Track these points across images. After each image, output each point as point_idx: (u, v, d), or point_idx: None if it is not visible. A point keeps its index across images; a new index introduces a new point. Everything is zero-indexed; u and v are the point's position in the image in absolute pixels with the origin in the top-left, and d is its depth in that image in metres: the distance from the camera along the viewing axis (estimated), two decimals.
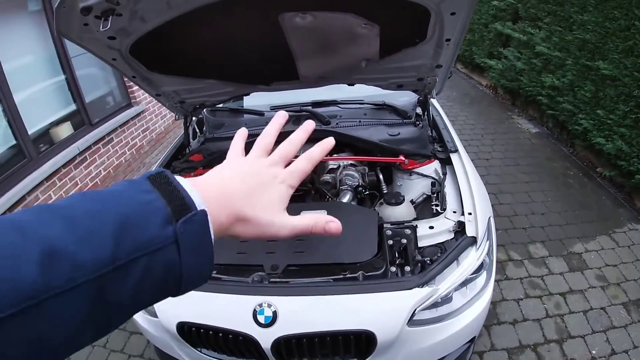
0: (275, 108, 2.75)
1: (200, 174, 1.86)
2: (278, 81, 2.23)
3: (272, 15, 1.66)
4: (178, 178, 0.40)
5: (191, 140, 2.69)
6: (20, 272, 0.29)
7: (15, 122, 3.15)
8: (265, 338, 1.52)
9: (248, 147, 0.57)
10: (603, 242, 3.06)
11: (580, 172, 4.05)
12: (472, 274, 1.63)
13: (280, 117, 0.62)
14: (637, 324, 2.45)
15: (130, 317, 0.37)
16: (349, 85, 2.28)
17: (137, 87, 4.59)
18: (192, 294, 1.39)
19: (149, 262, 0.34)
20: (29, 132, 3.29)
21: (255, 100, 2.76)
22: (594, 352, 2.28)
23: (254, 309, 1.53)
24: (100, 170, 4.02)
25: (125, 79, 4.51)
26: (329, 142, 0.57)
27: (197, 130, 2.86)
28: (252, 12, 1.65)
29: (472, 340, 1.85)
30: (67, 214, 0.33)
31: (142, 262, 0.34)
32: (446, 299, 1.62)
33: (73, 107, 3.88)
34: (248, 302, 1.56)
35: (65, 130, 3.74)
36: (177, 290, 0.39)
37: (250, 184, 0.49)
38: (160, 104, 5.14)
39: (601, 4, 3.67)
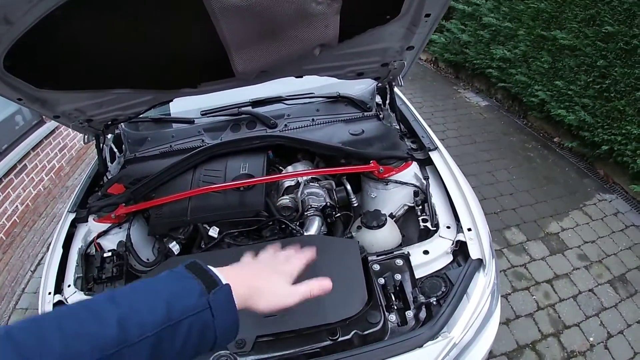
0: (207, 113, 2.27)
1: (124, 214, 1.21)
2: (207, 81, 1.77)
3: None
4: (209, 267, 0.61)
5: (109, 163, 2.18)
6: (105, 330, 0.48)
7: None
8: None
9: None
10: (577, 218, 2.98)
11: (538, 144, 3.97)
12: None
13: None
14: (625, 301, 2.39)
15: None
16: (296, 77, 1.87)
17: None
18: None
19: (192, 322, 0.53)
20: None
21: (182, 105, 2.26)
22: (591, 339, 2.20)
23: None
24: (17, 206, 3.44)
25: None
26: (314, 256, 0.84)
27: (115, 150, 2.31)
28: None
29: None
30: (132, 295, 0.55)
31: (187, 322, 0.52)
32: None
33: None
34: None
35: None
36: (214, 342, 0.56)
37: (265, 270, 0.71)
38: None
39: None
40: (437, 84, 5.75)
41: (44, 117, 4.02)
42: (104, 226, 1.83)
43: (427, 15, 1.42)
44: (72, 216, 1.87)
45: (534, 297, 2.42)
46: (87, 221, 1.85)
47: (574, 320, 2.29)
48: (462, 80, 5.61)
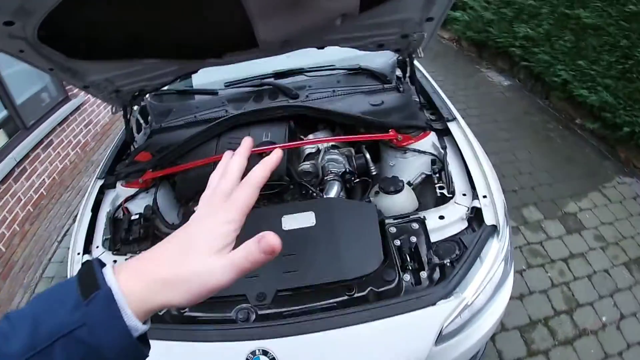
0: (231, 84, 2.34)
1: (151, 179, 1.27)
2: (232, 51, 1.79)
3: None
4: (107, 266, 0.42)
5: (135, 134, 2.29)
6: None
7: None
8: None
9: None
10: (595, 199, 2.94)
11: (559, 124, 3.90)
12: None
13: (245, 148, 0.55)
14: None
15: None
16: (318, 48, 1.88)
17: None
18: (169, 346, 1.02)
19: (66, 345, 0.37)
20: None
21: (205, 77, 2.32)
22: (604, 318, 2.19)
23: (247, 359, 1.20)
24: (44, 179, 3.56)
25: None
26: (274, 158, 0.52)
27: (142, 121, 2.44)
28: None
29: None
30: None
31: (60, 346, 0.37)
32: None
33: (4, 112, 3.36)
34: (238, 351, 1.22)
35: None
36: None
37: (172, 240, 0.45)
38: None
39: None
40: (459, 62, 5.68)
41: (69, 94, 4.14)
42: (131, 191, 1.93)
43: None
44: (100, 182, 1.98)
45: (549, 274, 2.42)
46: (115, 187, 1.96)
47: (588, 299, 2.28)
48: (485, 59, 5.51)
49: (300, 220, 1.48)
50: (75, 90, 4.16)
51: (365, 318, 1.21)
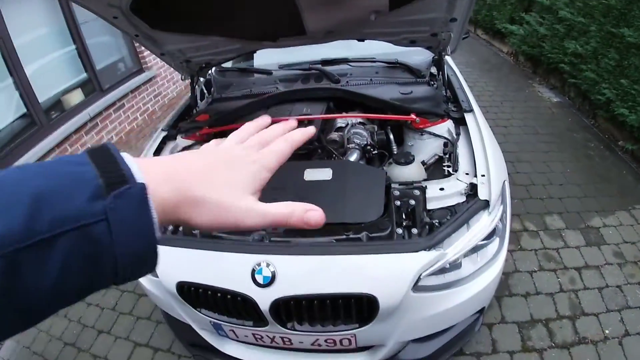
0: (284, 67, 2.68)
1: (206, 134, 1.72)
2: (285, 37, 2.10)
3: None
4: (123, 154, 0.35)
5: (199, 101, 2.67)
6: None
7: (26, 92, 3.16)
8: (264, 299, 1.48)
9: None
10: (622, 218, 2.95)
11: (601, 144, 3.89)
12: (483, 240, 1.56)
13: (263, 120, 0.56)
14: None
15: (57, 306, 0.32)
16: (358, 40, 2.14)
17: (148, 52, 4.55)
18: (191, 253, 1.42)
19: (75, 240, 0.30)
20: (40, 101, 3.31)
21: (264, 59, 2.71)
22: (607, 331, 2.20)
23: (253, 269, 1.49)
24: (112, 136, 4.01)
25: (136, 45, 4.43)
26: (311, 130, 0.55)
27: (205, 92, 2.82)
28: None
29: (481, 311, 1.81)
30: None
31: (66, 240, 0.29)
32: (455, 265, 1.55)
33: (84, 75, 3.86)
34: (247, 261, 1.52)
35: (76, 97, 3.72)
36: (114, 276, 0.33)
37: (209, 160, 0.43)
38: (172, 70, 5.06)
39: None
40: (513, 76, 5.71)
41: (143, 66, 4.60)
42: (189, 142, 2.29)
43: None
44: (164, 134, 2.37)
45: (559, 279, 2.50)
46: (175, 139, 2.33)
47: (594, 310, 2.31)
48: (539, 75, 5.52)
49: (319, 174, 1.76)
50: (150, 64, 4.62)
51: (355, 251, 1.46)
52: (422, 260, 1.44)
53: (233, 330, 1.73)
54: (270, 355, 1.90)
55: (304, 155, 2.10)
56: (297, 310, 1.51)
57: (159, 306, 2.00)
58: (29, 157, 3.03)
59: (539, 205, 3.06)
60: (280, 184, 1.72)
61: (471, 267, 1.57)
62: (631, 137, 3.60)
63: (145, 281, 1.86)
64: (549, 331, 2.22)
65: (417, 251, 1.44)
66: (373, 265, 1.45)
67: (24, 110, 3.21)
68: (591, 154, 3.76)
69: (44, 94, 3.38)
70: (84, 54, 3.80)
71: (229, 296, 1.54)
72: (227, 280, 1.53)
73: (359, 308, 1.49)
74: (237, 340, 1.84)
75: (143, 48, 4.46)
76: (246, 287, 1.49)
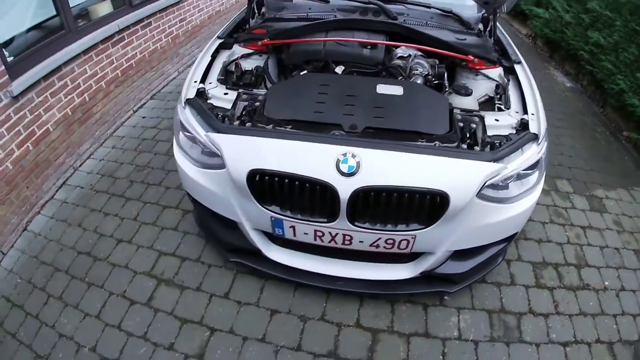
0: None
1: (266, 45, 2.41)
2: None
3: None
4: None
5: (251, 19, 2.72)
6: None
7: None
8: (345, 188, 1.56)
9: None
10: (622, 195, 3.20)
11: (607, 130, 4.14)
12: (528, 168, 1.74)
13: None
14: None
15: None
16: None
17: None
18: (266, 142, 1.60)
19: None
20: (71, 5, 3.18)
21: None
22: (606, 283, 2.44)
23: (338, 158, 1.57)
24: (136, 53, 3.94)
25: None
26: None
27: (256, 11, 2.82)
28: None
29: (512, 238, 2.00)
30: None
31: None
32: (503, 186, 1.74)
33: None
34: (332, 151, 1.59)
35: (105, 8, 3.61)
36: None
37: None
38: None
39: None
40: (530, 57, 5.82)
41: None
42: (247, 51, 2.33)
43: None
44: (219, 41, 2.41)
45: (567, 233, 2.73)
46: (230, 48, 2.37)
47: (596, 264, 2.54)
48: (555, 60, 5.73)
49: (391, 89, 1.89)
50: None
51: (434, 152, 1.61)
52: (488, 169, 1.61)
53: (294, 227, 1.78)
54: (313, 262, 2.00)
55: (371, 73, 2.23)
56: (375, 202, 1.60)
57: (203, 204, 2.00)
58: (54, 60, 2.93)
59: (551, 170, 3.26)
60: (354, 94, 1.83)
61: (516, 190, 1.78)
62: (637, 128, 3.85)
63: (199, 176, 1.87)
64: (558, 274, 2.46)
65: (485, 160, 1.62)
66: (448, 167, 1.60)
67: (54, 12, 3.07)
68: (598, 137, 4.00)
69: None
70: None
71: (307, 185, 1.60)
72: (309, 168, 1.59)
73: (431, 206, 1.62)
74: (291, 241, 1.91)
75: None
76: (329, 176, 1.57)
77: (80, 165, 3.26)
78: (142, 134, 3.61)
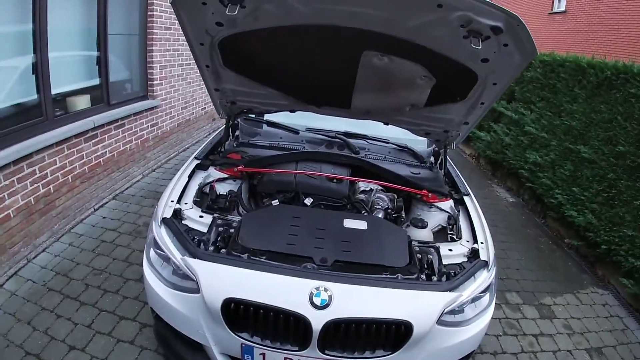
0: (311, 130, 3.05)
1: (241, 171, 2.59)
2: (329, 106, 2.51)
3: (357, 51, 1.95)
4: None
5: (226, 141, 2.93)
6: None
7: (42, 77, 3.07)
8: (318, 320, 1.64)
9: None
10: (569, 299, 3.42)
11: (550, 240, 4.48)
12: (481, 292, 1.92)
13: None
14: None
15: None
16: (384, 124, 2.65)
17: (157, 81, 4.76)
18: (246, 273, 1.76)
19: None
20: (52, 93, 3.22)
21: (292, 119, 3.04)
22: None
23: (311, 292, 1.67)
24: (106, 151, 3.98)
25: (148, 71, 4.65)
26: None
27: (230, 134, 3.05)
28: (344, 43, 1.93)
29: (469, 356, 2.07)
30: None
31: None
32: (459, 311, 1.89)
33: (96, 81, 3.88)
34: (305, 284, 1.70)
35: (83, 102, 3.69)
36: None
37: None
38: (173, 104, 5.19)
39: (590, 98, 4.27)
40: (474, 176, 6.44)
41: (148, 94, 4.76)
42: (223, 175, 2.55)
43: (482, 103, 2.21)
44: (196, 162, 2.60)
45: (520, 343, 2.83)
46: (206, 170, 2.57)
47: None
48: (497, 177, 6.30)
49: (356, 224, 2.11)
50: (156, 93, 4.82)
51: (394, 285, 1.78)
52: (446, 298, 1.78)
53: (264, 354, 1.78)
54: None
55: (338, 207, 2.48)
56: (345, 332, 1.69)
57: (169, 322, 1.93)
58: (28, 145, 2.90)
59: (500, 284, 3.45)
60: (324, 227, 2.00)
61: (471, 313, 1.93)
62: (577, 235, 4.21)
63: (168, 296, 1.85)
64: None
65: (443, 291, 1.80)
66: (411, 299, 1.76)
67: (35, 96, 3.10)
68: (542, 247, 4.32)
69: (56, 86, 3.29)
70: (103, 61, 3.87)
71: (281, 315, 1.67)
72: (284, 300, 1.68)
73: (396, 334, 1.72)
74: None
75: (154, 76, 4.73)
76: (303, 308, 1.66)
77: (34, 257, 3.10)
78: (101, 235, 3.52)
